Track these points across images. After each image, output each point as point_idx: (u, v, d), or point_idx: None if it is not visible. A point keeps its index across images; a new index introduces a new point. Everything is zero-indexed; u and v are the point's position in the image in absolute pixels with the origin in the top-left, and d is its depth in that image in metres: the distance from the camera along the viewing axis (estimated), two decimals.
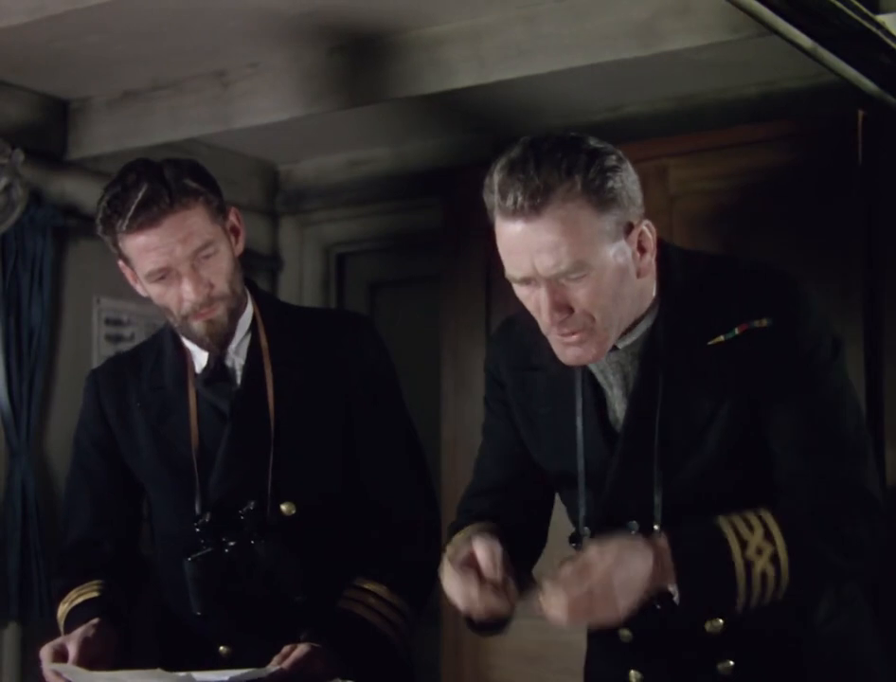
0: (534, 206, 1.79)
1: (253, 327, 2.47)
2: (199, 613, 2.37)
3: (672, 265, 1.95)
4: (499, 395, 2.14)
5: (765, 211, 3.78)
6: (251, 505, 2.35)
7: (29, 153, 4.10)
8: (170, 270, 2.31)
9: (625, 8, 3.42)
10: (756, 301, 1.88)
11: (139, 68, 3.98)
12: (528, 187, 1.79)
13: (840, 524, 1.81)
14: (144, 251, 2.30)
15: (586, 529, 1.99)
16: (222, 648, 2.39)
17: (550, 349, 1.94)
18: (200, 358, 2.47)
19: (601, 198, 1.81)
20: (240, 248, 2.44)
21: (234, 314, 2.41)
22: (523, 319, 2.00)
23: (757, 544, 1.76)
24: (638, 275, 1.89)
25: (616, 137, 4.17)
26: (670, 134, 4.11)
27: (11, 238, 4.13)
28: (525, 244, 1.82)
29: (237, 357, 2.46)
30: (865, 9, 2.86)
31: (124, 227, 2.29)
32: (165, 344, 2.52)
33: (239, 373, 2.45)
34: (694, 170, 3.90)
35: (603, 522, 1.97)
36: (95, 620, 2.30)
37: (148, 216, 2.27)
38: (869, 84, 3.38)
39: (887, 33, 2.96)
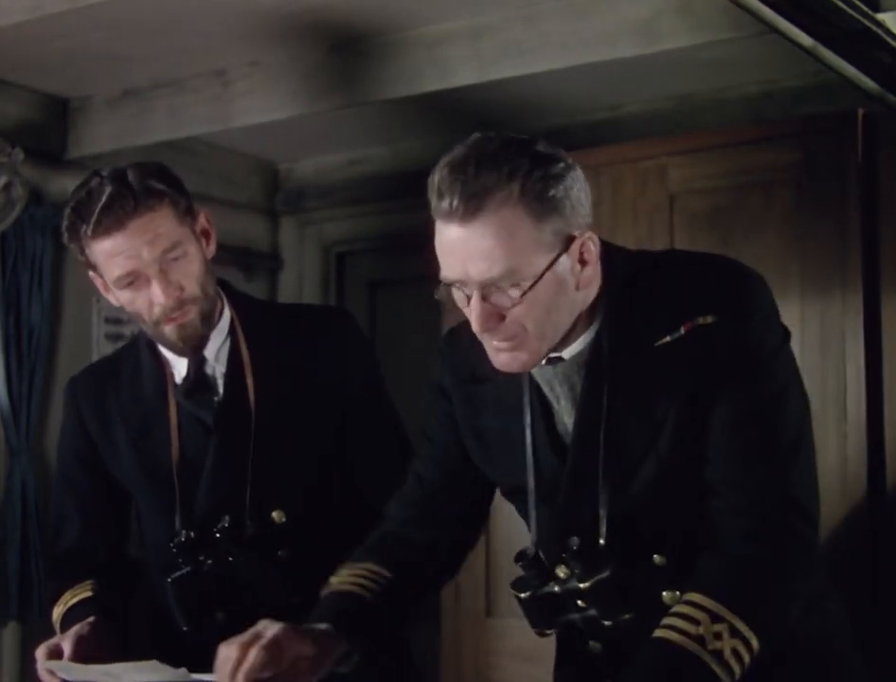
0: (469, 209, 1.74)
1: (231, 332, 2.43)
2: (185, 628, 2.34)
3: (615, 269, 1.88)
4: (445, 407, 2.08)
5: (765, 210, 3.77)
6: (226, 521, 2.32)
7: (29, 152, 4.09)
8: (139, 274, 2.27)
9: (625, 6, 3.42)
10: (700, 298, 1.83)
11: (139, 67, 3.98)
12: (465, 189, 1.74)
13: (769, 543, 1.76)
14: (110, 256, 2.26)
15: (532, 548, 1.94)
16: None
17: None
18: (179, 367, 2.43)
19: (541, 206, 1.75)
20: (211, 251, 2.40)
21: (207, 318, 2.36)
22: (467, 329, 1.95)
23: (711, 631, 1.69)
24: (577, 287, 1.82)
25: (616, 136, 4.23)
26: (670, 132, 4.12)
27: (11, 237, 4.13)
28: (458, 248, 1.77)
29: (217, 365, 2.42)
30: (865, 8, 2.86)
31: (89, 232, 2.25)
32: (141, 352, 2.48)
33: (220, 382, 2.41)
34: (694, 168, 3.89)
35: (555, 535, 1.92)
36: (90, 619, 2.29)
37: (113, 219, 2.23)
38: (869, 83, 3.38)
39: (888, 32, 2.96)
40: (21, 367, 4.17)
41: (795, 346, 3.58)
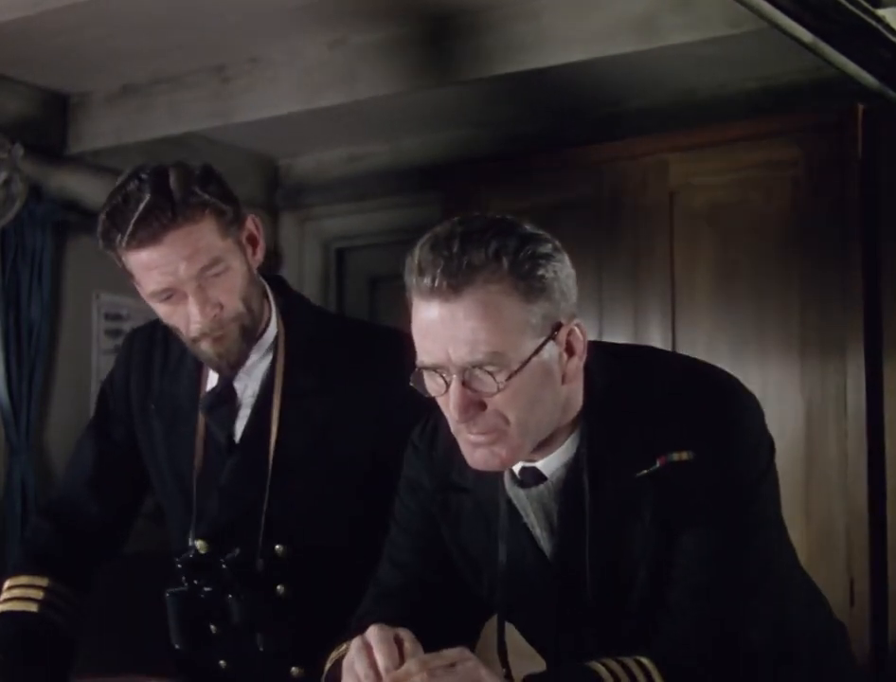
0: (454, 286, 1.61)
1: (274, 348, 2.23)
2: (177, 646, 2.21)
3: (592, 381, 1.76)
4: (413, 507, 1.94)
5: (765, 206, 3.77)
6: (236, 552, 2.16)
7: (29, 148, 4.10)
8: (176, 290, 2.09)
9: (625, 2, 3.42)
10: (676, 429, 1.71)
11: (139, 63, 3.98)
12: (449, 266, 1.62)
13: (714, 676, 1.68)
14: (146, 269, 2.08)
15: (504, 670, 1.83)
16: (221, 662, 2.31)
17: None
18: (213, 374, 2.27)
19: (529, 286, 1.64)
20: (258, 259, 2.21)
21: (248, 334, 2.18)
22: (444, 429, 1.82)
23: None
24: (563, 380, 1.70)
25: (616, 133, 4.23)
26: (670, 129, 4.11)
27: (11, 233, 4.13)
28: (439, 328, 1.64)
29: (249, 380, 2.24)
30: (865, 4, 2.86)
31: (123, 244, 2.07)
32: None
33: (247, 401, 2.23)
34: (695, 164, 3.89)
35: (551, 658, 1.87)
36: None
37: (148, 232, 2.04)
38: (869, 78, 3.38)
39: (888, 27, 2.96)
40: (21, 364, 4.17)
41: (795, 344, 3.64)
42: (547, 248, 1.67)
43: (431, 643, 1.74)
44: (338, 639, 1.87)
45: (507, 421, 1.67)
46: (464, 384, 1.65)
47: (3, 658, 2.18)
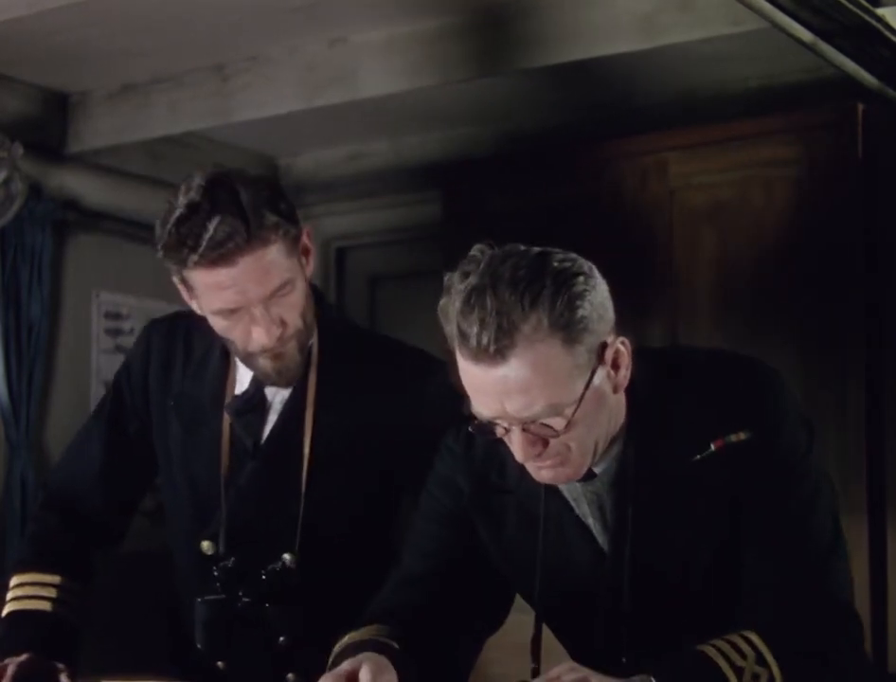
0: (499, 349, 1.62)
1: (307, 356, 2.19)
2: (200, 646, 2.18)
3: (634, 380, 1.78)
4: (445, 502, 1.96)
5: (765, 205, 3.78)
6: (278, 565, 2.14)
7: (29, 147, 4.09)
8: (241, 309, 2.06)
9: (626, 1, 3.42)
10: (727, 412, 1.76)
11: (139, 61, 3.98)
12: (489, 326, 1.62)
13: (816, 640, 1.70)
14: (215, 289, 2.04)
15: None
16: (219, 663, 2.28)
17: (518, 466, 1.81)
18: (243, 377, 2.23)
19: (571, 332, 1.64)
20: (310, 270, 2.16)
21: (304, 348, 2.16)
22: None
23: (752, 670, 1.62)
24: (615, 391, 1.74)
25: (616, 131, 4.23)
26: (670, 127, 4.11)
27: (11, 232, 4.13)
28: (492, 386, 1.66)
29: (280, 389, 2.20)
30: (865, 3, 2.86)
31: (194, 262, 2.01)
32: (215, 343, 2.24)
33: (276, 407, 2.21)
34: (695, 163, 3.90)
35: (592, 654, 1.86)
36: (23, 658, 2.11)
37: (222, 253, 1.98)
38: (868, 78, 3.38)
39: (887, 27, 2.96)
40: (21, 362, 4.17)
41: (795, 343, 3.64)
42: (580, 284, 1.66)
43: (449, 633, 1.89)
44: (353, 625, 1.89)
45: (569, 448, 1.72)
46: (525, 429, 1.69)
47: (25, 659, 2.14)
